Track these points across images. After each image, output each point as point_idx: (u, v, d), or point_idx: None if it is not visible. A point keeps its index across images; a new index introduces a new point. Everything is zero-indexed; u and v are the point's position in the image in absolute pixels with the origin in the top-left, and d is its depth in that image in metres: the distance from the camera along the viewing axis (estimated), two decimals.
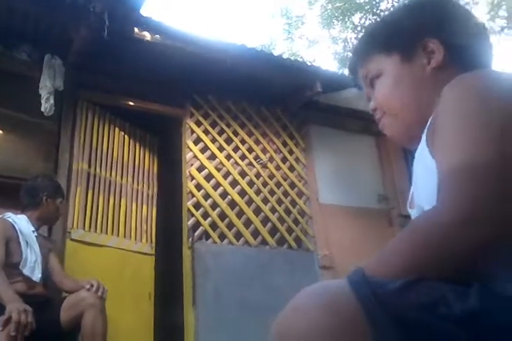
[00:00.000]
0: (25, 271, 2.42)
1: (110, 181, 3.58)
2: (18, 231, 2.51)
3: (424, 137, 0.78)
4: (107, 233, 3.40)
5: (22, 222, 2.57)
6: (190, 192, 3.70)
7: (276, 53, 4.49)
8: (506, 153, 0.61)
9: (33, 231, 2.58)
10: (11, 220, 2.55)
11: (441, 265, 0.59)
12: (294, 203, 4.14)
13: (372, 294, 0.55)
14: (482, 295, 0.56)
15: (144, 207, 3.79)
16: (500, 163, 0.60)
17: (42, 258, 2.56)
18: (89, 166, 3.46)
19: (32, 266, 2.46)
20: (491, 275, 0.61)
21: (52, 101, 3.23)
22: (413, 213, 0.86)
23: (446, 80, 0.78)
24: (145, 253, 3.59)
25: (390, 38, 0.92)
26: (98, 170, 3.51)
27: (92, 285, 2.37)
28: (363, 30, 1.04)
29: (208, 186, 3.78)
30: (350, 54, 1.05)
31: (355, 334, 0.53)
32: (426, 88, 0.86)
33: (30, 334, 2.14)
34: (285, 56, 4.44)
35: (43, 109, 3.19)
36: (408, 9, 0.94)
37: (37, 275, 2.46)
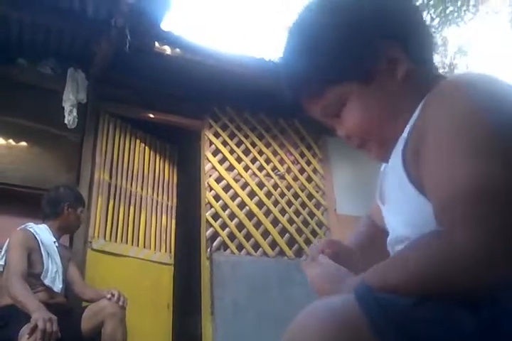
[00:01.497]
0: (47, 282, 2.45)
1: (131, 192, 3.65)
2: (40, 242, 2.54)
3: (399, 151, 0.73)
4: (127, 243, 3.45)
5: (43, 232, 2.61)
6: (209, 202, 3.74)
7: None
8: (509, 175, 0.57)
9: (54, 242, 2.62)
10: (32, 230, 2.58)
11: (456, 290, 0.56)
12: (311, 214, 4.15)
13: (383, 312, 0.54)
14: (494, 310, 0.55)
15: (164, 217, 3.84)
16: (506, 181, 0.56)
17: (63, 268, 2.60)
18: (111, 177, 3.53)
19: (53, 276, 2.50)
20: (503, 291, 0.59)
21: (75, 113, 3.31)
22: (384, 210, 0.84)
23: (417, 88, 0.75)
24: (164, 263, 3.63)
25: (343, 64, 0.78)
26: (119, 181, 3.58)
27: (112, 295, 2.40)
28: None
29: (226, 197, 3.81)
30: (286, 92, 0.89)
31: None
32: (398, 100, 0.78)
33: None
34: None
35: (66, 122, 3.27)
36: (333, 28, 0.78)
37: (58, 286, 2.50)
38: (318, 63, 0.79)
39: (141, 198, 3.71)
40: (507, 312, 0.56)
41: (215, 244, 3.61)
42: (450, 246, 0.56)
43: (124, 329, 2.40)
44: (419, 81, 0.77)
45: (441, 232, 0.59)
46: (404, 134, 0.73)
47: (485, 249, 0.54)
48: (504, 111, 0.62)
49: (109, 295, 2.39)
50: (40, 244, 2.54)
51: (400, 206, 0.74)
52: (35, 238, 2.56)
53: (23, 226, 2.63)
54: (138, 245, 3.52)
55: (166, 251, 3.71)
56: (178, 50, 3.58)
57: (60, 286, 2.52)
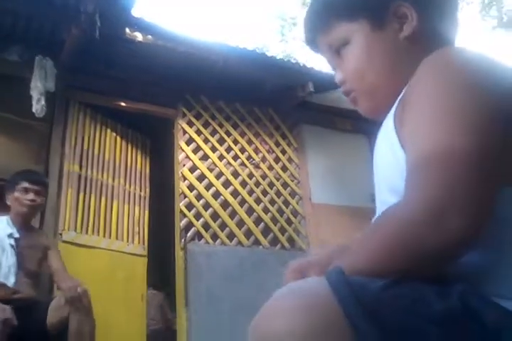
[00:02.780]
0: (0, 277, 2.38)
1: (102, 183, 3.58)
2: None
3: (392, 113, 0.72)
4: (98, 235, 3.40)
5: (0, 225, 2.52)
6: (183, 192, 3.70)
7: (270, 54, 4.49)
8: (483, 142, 0.57)
9: (11, 234, 2.51)
10: None
11: (417, 262, 0.56)
12: (286, 203, 4.15)
13: (353, 295, 0.53)
14: (464, 295, 0.55)
15: (137, 208, 3.79)
16: (477, 152, 0.56)
17: (19, 260, 2.50)
18: (81, 168, 3.45)
19: (6, 271, 2.41)
20: (472, 274, 0.59)
21: (43, 102, 3.22)
22: (375, 182, 0.80)
23: (420, 53, 0.73)
24: (137, 255, 3.60)
25: (355, 2, 0.82)
26: (90, 171, 3.51)
27: (70, 297, 2.28)
28: None
29: (200, 186, 3.78)
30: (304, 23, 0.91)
31: (336, 336, 0.51)
32: (399, 58, 0.78)
33: (16, 335, 2.14)
34: (279, 57, 4.42)
35: (34, 110, 3.18)
36: None
37: (11, 281, 2.41)
38: None
39: (113, 189, 3.65)
40: (476, 298, 0.56)
41: (189, 234, 3.59)
42: (406, 211, 0.57)
43: (92, 321, 2.34)
44: (424, 45, 0.77)
45: (399, 202, 0.59)
46: (398, 98, 0.73)
47: (440, 206, 0.54)
48: (487, 85, 0.63)
49: (63, 299, 2.28)
50: None
51: (387, 171, 0.72)
52: None
53: None
54: (110, 237, 3.47)
55: (139, 242, 3.67)
56: (149, 36, 3.51)
57: (13, 281, 2.41)
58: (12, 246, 2.49)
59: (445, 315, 0.53)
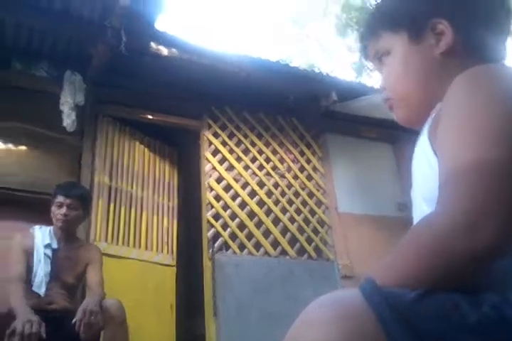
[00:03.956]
0: (34, 287, 2.42)
1: (131, 194, 3.64)
2: (35, 246, 2.51)
3: (427, 126, 0.75)
4: (128, 245, 3.45)
5: (41, 235, 2.57)
6: (210, 203, 3.74)
7: (292, 65, 4.53)
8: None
9: (48, 245, 2.55)
10: (31, 234, 2.57)
11: (449, 271, 0.57)
12: (312, 212, 4.14)
13: (387, 305, 0.54)
14: (496, 304, 0.55)
15: (165, 218, 3.84)
16: (506, 164, 0.58)
17: (61, 270, 2.54)
18: (111, 179, 3.52)
19: (39, 281, 2.45)
20: (503, 282, 0.60)
21: (73, 116, 3.31)
22: (412, 195, 0.82)
23: (455, 68, 0.75)
24: (166, 265, 3.64)
25: (398, 15, 0.88)
26: (119, 183, 3.58)
27: (80, 319, 2.23)
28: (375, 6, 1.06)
29: (226, 197, 3.81)
30: (360, 28, 1.01)
31: None
32: (433, 73, 0.83)
33: None
34: (302, 68, 4.45)
35: (65, 125, 3.27)
36: None
37: (42, 291, 2.43)
38: (388, 5, 0.93)
39: (142, 200, 3.71)
40: (507, 304, 0.56)
41: (216, 244, 3.61)
42: (438, 221, 0.58)
43: (125, 332, 2.36)
44: (459, 61, 0.80)
45: (432, 213, 0.61)
46: (433, 113, 0.76)
47: (474, 217, 0.55)
48: None
49: (75, 319, 2.23)
50: (34, 248, 2.51)
51: (423, 183, 0.74)
52: (33, 241, 2.53)
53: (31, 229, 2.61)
54: (140, 247, 3.52)
55: (168, 252, 3.71)
56: (174, 50, 3.57)
57: (44, 290, 2.43)
58: (48, 256, 2.53)
59: (480, 325, 0.53)
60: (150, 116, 3.85)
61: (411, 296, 0.55)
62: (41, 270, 2.48)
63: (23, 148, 3.34)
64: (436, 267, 0.57)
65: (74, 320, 2.21)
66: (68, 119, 3.29)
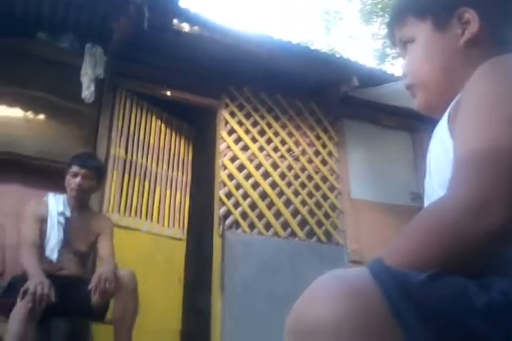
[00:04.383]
0: (47, 253, 2.49)
1: (146, 167, 3.68)
2: (49, 212, 2.57)
3: (447, 114, 0.76)
4: (141, 218, 3.49)
5: (55, 203, 2.62)
6: (223, 181, 3.76)
7: (314, 48, 4.49)
8: None
9: (62, 213, 2.60)
10: (45, 201, 2.62)
11: (458, 252, 0.57)
12: (325, 197, 4.14)
13: (395, 284, 0.54)
14: (504, 289, 0.55)
15: (178, 193, 3.87)
16: None
17: (74, 238, 2.60)
18: (126, 152, 3.56)
19: (52, 247, 2.51)
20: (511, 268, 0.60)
21: (92, 88, 3.33)
22: (425, 183, 0.82)
23: (478, 58, 0.75)
24: (177, 239, 3.68)
25: (425, 2, 0.88)
26: (134, 156, 3.61)
27: (95, 286, 2.30)
28: None
29: (239, 176, 3.83)
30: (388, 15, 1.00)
31: (377, 323, 0.52)
32: (456, 61, 0.83)
33: (59, 311, 2.23)
34: (323, 51, 4.42)
35: (83, 96, 3.30)
36: None
37: (54, 256, 2.50)
38: None
39: (156, 174, 3.75)
40: None
41: (227, 222, 3.64)
42: (450, 203, 0.59)
43: (136, 301, 2.42)
44: (483, 51, 0.80)
45: (443, 195, 0.61)
46: (455, 99, 0.76)
47: (484, 199, 0.56)
48: None
49: (90, 286, 2.30)
50: (48, 215, 2.57)
51: (439, 168, 0.75)
52: (47, 208, 2.59)
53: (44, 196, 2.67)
54: (152, 220, 3.57)
55: (179, 227, 3.76)
56: (196, 27, 3.56)
57: (56, 256, 2.50)
58: (61, 223, 2.59)
59: (488, 309, 0.53)
60: (168, 93, 3.86)
61: (420, 277, 0.55)
62: (54, 236, 2.54)
63: (41, 116, 3.39)
64: (446, 249, 0.57)
65: (90, 287, 2.28)
66: (87, 91, 3.32)
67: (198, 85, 3.96)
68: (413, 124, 4.64)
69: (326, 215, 4.07)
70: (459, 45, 0.82)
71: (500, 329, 0.52)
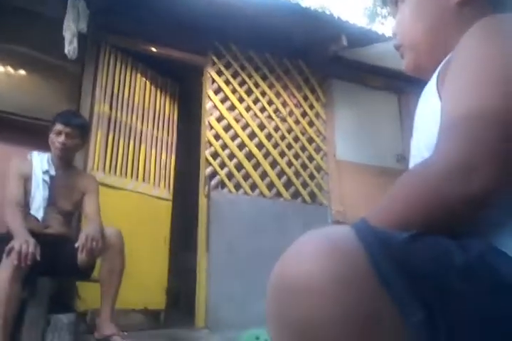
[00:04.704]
0: (32, 211, 2.48)
1: (131, 126, 3.62)
2: (33, 171, 2.54)
3: (436, 74, 0.74)
4: (126, 176, 3.47)
5: (40, 162, 2.58)
6: (209, 141, 3.73)
7: (303, 5, 4.36)
8: None
9: (46, 171, 2.58)
10: (30, 159, 2.59)
11: (443, 215, 0.57)
12: (310, 158, 4.16)
13: (378, 242, 0.54)
14: (483, 251, 0.56)
15: (163, 153, 3.84)
16: (507, 113, 0.57)
17: (59, 197, 2.58)
18: (111, 110, 3.49)
19: (37, 205, 2.50)
20: (494, 229, 0.60)
21: (75, 44, 3.20)
22: (411, 143, 0.82)
23: (470, 19, 0.73)
24: (162, 198, 3.68)
25: None
26: (119, 114, 3.54)
27: (82, 244, 2.30)
28: None
29: (226, 136, 3.80)
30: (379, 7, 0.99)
31: (360, 280, 0.52)
32: (447, 21, 0.81)
33: (46, 269, 2.24)
34: (313, 8, 4.29)
35: (66, 52, 3.18)
36: None
37: (40, 215, 2.50)
38: None
39: (141, 132, 3.70)
40: (492, 249, 0.57)
41: (213, 182, 3.64)
42: (434, 164, 0.59)
43: (123, 260, 2.45)
44: (475, 12, 0.78)
45: (428, 157, 0.61)
46: (445, 59, 0.75)
47: (470, 157, 0.55)
48: None
49: (77, 244, 2.30)
50: (33, 173, 2.54)
51: (426, 130, 0.74)
52: (31, 167, 2.55)
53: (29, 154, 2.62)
54: (137, 179, 3.55)
55: (164, 186, 3.75)
56: None
57: (42, 215, 2.50)
58: (45, 181, 2.57)
59: (467, 269, 0.54)
60: (153, 49, 3.75)
61: (403, 237, 0.55)
62: (39, 195, 2.52)
63: (23, 72, 3.28)
64: (430, 210, 0.57)
65: (76, 245, 2.29)
66: (70, 46, 3.19)
67: (184, 41, 3.85)
68: (401, 86, 4.61)
69: (311, 176, 4.10)
70: (450, 5, 0.81)
71: (473, 287, 0.53)
